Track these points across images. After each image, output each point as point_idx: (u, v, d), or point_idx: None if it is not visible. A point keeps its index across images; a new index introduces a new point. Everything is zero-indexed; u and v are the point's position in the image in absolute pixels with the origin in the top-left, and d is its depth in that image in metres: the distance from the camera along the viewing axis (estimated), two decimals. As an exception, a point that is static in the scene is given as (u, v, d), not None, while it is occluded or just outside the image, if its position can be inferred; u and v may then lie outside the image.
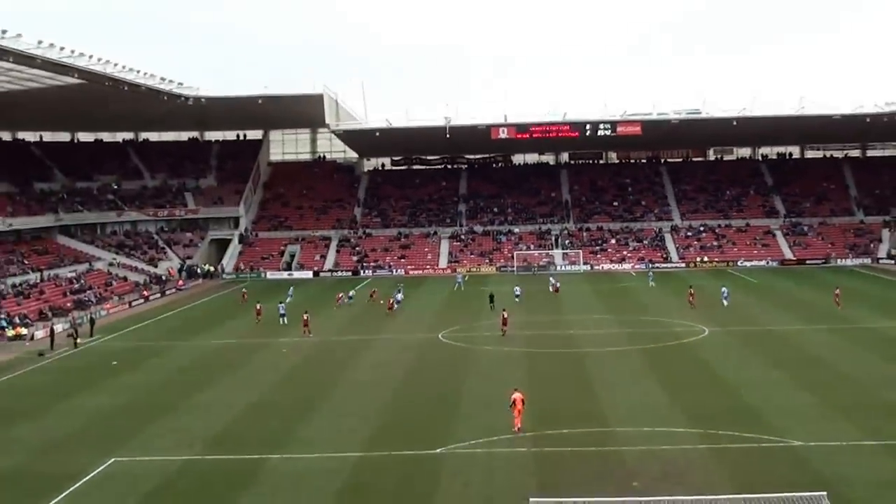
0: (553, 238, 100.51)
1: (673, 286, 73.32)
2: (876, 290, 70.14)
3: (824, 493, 21.77)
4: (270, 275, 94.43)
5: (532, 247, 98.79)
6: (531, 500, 22.35)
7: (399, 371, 42.29)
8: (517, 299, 65.99)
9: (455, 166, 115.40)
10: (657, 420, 31.78)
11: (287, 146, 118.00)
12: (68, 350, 51.82)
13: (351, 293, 70.88)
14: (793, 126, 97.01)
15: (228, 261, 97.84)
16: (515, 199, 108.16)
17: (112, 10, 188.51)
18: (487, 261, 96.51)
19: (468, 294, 73.48)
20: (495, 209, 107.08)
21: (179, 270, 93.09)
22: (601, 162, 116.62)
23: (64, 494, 26.12)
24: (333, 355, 47.35)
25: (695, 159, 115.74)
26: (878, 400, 34.14)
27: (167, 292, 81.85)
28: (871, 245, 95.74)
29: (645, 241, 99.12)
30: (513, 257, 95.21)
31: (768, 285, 75.16)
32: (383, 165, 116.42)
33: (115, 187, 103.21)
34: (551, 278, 77.27)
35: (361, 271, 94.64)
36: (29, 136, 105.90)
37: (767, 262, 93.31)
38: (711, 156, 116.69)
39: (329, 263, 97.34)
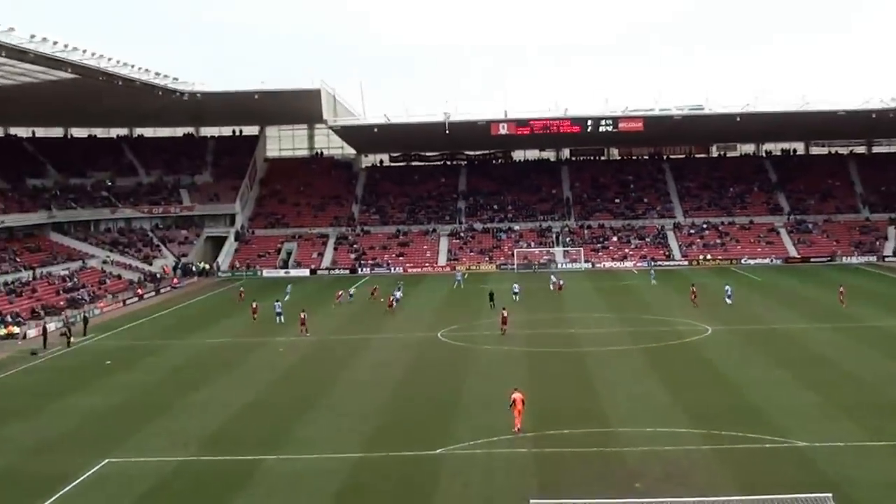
0: (554, 235, 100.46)
1: (675, 284, 73.31)
2: (881, 288, 70.15)
3: (830, 494, 21.74)
4: (267, 273, 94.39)
5: (532, 244, 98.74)
6: (531, 501, 22.33)
7: (398, 371, 42.26)
8: (515, 297, 65.95)
9: (454, 163, 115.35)
10: (659, 420, 31.76)
11: (284, 142, 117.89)
12: (61, 349, 51.77)
13: (352, 291, 70.93)
14: (797, 122, 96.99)
15: (224, 258, 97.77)
16: (516, 196, 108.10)
17: (107, 3, 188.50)
18: (487, 259, 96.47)
19: (468, 292, 73.43)
20: (495, 206, 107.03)
21: (174, 268, 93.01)
22: (603, 158, 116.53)
23: (57, 496, 26.07)
24: (331, 354, 47.32)
25: (698, 156, 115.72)
26: (884, 399, 34.13)
27: (162, 290, 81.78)
28: (877, 243, 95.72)
29: (647, 239, 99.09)
30: (513, 255, 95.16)
31: (772, 283, 75.14)
32: (381, 162, 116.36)
33: (109, 184, 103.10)
34: (552, 276, 77.23)
35: (359, 269, 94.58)
36: (21, 132, 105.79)
37: (771, 260, 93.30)
38: (714, 152, 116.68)
39: (326, 261, 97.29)
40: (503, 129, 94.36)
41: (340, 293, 68.71)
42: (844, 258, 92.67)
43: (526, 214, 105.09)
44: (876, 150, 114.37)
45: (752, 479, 25.56)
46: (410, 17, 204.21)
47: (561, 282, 72.34)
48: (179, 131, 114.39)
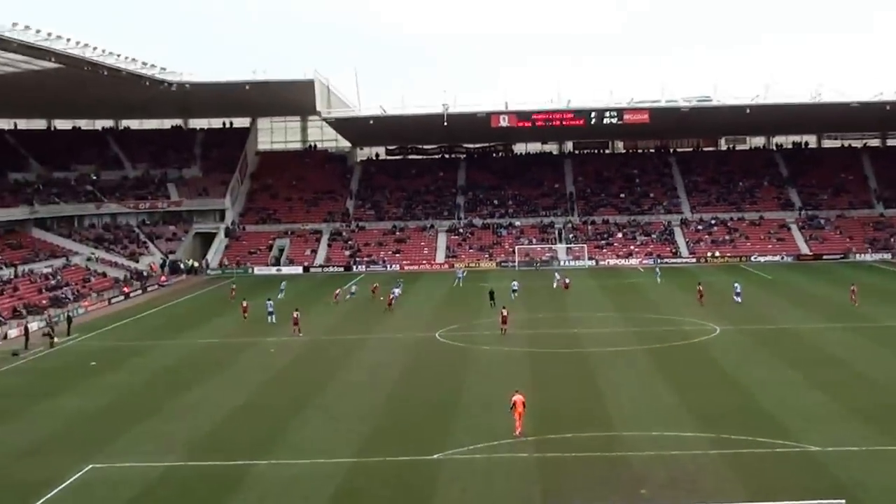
0: (556, 232, 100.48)
1: (682, 282, 73.30)
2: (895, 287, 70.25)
3: (842, 501, 21.76)
4: (258, 270, 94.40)
5: (534, 241, 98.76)
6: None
7: (394, 372, 42.24)
8: (514, 295, 65.99)
9: (453, 156, 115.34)
10: (666, 423, 31.74)
11: (276, 135, 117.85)
12: (44, 350, 51.71)
13: (353, 288, 70.96)
14: (809, 114, 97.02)
15: (214, 255, 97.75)
16: (517, 191, 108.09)
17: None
18: (487, 256, 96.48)
19: (467, 291, 73.42)
20: (495, 201, 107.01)
21: (162, 266, 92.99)
22: (607, 151, 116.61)
23: (38, 503, 26.01)
24: (325, 355, 47.29)
25: (706, 149, 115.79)
26: (899, 402, 34.12)
27: (149, 289, 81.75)
28: (892, 239, 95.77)
29: (653, 235, 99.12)
30: (514, 252, 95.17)
31: (783, 281, 75.17)
32: (377, 155, 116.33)
33: (94, 178, 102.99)
34: (556, 273, 77.26)
35: (354, 267, 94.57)
36: (2, 124, 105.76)
37: (782, 258, 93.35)
38: (723, 145, 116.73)
39: (320, 258, 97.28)
40: (504, 122, 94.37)
41: (338, 292, 68.70)
42: (858, 255, 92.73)
43: (527, 210, 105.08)
44: (890, 142, 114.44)
45: (762, 485, 25.54)
46: (407, 6, 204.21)
47: (567, 280, 72.35)
48: (167, 123, 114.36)
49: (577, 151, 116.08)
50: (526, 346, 47.81)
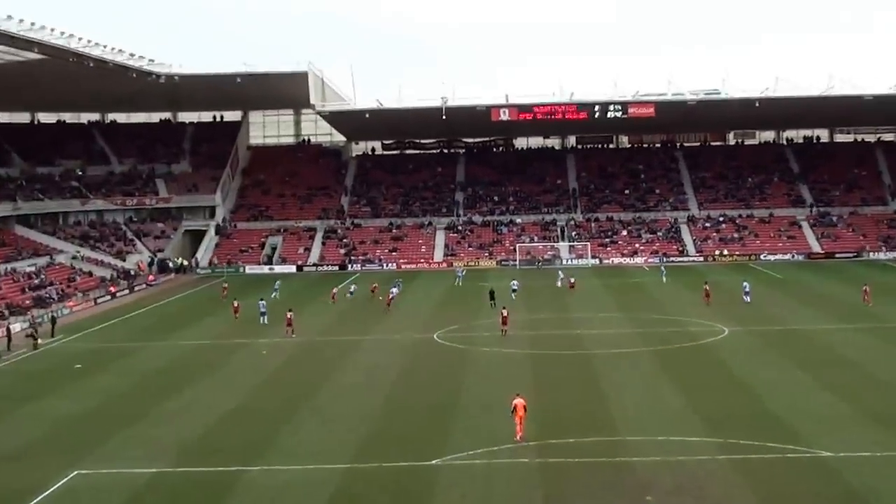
0: (559, 229, 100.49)
1: (689, 282, 73.31)
2: (911, 287, 70.20)
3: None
4: (249, 269, 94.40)
5: (536, 239, 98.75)
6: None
7: (391, 374, 42.23)
8: (514, 294, 66.06)
9: (452, 151, 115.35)
10: (672, 428, 31.73)
11: (268, 129, 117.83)
12: (27, 352, 51.65)
13: (352, 288, 70.99)
14: (821, 107, 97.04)
15: (203, 254, 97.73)
16: (518, 187, 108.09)
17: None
18: (487, 254, 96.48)
19: (466, 291, 73.43)
20: (496, 197, 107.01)
21: (150, 264, 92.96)
22: (611, 146, 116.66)
23: (22, 510, 26.02)
24: (319, 357, 47.27)
25: (713, 144, 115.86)
26: (914, 406, 34.13)
27: (136, 288, 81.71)
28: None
29: (659, 233, 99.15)
30: (515, 250, 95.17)
31: (793, 281, 75.20)
32: (373, 150, 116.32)
33: (79, 173, 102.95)
34: (560, 272, 77.27)
35: (349, 265, 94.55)
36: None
37: (793, 256, 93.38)
38: (732, 140, 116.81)
39: (314, 257, 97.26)
40: (504, 115, 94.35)
41: (335, 291, 68.70)
42: (871, 254, 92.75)
43: (529, 206, 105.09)
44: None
45: (771, 492, 25.53)
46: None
47: (572, 279, 72.33)
48: (155, 117, 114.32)
49: (580, 146, 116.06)
50: (527, 348, 47.79)
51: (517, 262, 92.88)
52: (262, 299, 60.83)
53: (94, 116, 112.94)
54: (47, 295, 71.42)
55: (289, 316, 54.21)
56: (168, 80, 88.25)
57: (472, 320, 57.79)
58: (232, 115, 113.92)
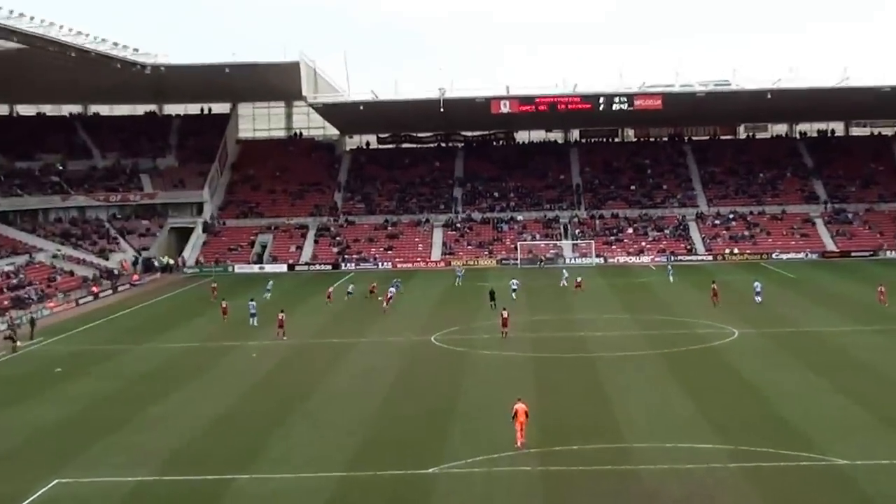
0: (561, 227, 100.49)
1: (698, 282, 73.29)
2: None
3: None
4: (238, 268, 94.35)
5: (538, 237, 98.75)
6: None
7: (386, 379, 42.21)
8: (514, 294, 66.20)
9: (450, 144, 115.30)
10: (680, 434, 31.73)
11: (258, 122, 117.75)
12: (5, 355, 51.59)
13: (350, 287, 71.04)
14: (836, 99, 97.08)
15: (190, 252, 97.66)
16: (519, 182, 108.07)
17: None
18: (487, 253, 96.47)
19: (465, 291, 73.46)
20: (496, 194, 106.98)
21: (134, 263, 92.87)
22: (616, 140, 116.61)
23: (0, 520, 26.00)
24: (311, 361, 47.25)
25: (723, 137, 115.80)
26: (933, 411, 34.13)
27: (120, 289, 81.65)
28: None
29: (666, 231, 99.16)
30: (516, 249, 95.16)
31: (807, 280, 75.24)
32: (368, 144, 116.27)
33: (60, 168, 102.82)
34: (564, 272, 77.29)
35: (343, 264, 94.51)
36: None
37: (806, 255, 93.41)
38: (742, 133, 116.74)
39: (306, 255, 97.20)
40: (505, 108, 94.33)
41: (331, 290, 68.66)
42: (889, 252, 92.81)
43: (530, 203, 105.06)
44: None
45: (784, 501, 25.54)
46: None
47: (579, 279, 72.28)
48: (140, 109, 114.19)
49: (583, 140, 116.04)
50: (528, 351, 47.80)
51: (518, 262, 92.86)
52: (252, 300, 60.79)
53: (76, 108, 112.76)
54: (26, 295, 71.33)
55: (280, 317, 54.19)
56: (153, 71, 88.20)
57: (471, 322, 57.78)
58: (220, 108, 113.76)
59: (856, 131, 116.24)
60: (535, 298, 67.79)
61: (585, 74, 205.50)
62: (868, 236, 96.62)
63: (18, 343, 53.36)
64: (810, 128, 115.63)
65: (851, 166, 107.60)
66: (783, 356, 44.94)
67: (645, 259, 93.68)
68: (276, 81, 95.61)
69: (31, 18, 68.76)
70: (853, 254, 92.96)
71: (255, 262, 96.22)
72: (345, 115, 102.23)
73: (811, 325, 53.64)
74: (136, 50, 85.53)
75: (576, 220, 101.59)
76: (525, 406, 31.14)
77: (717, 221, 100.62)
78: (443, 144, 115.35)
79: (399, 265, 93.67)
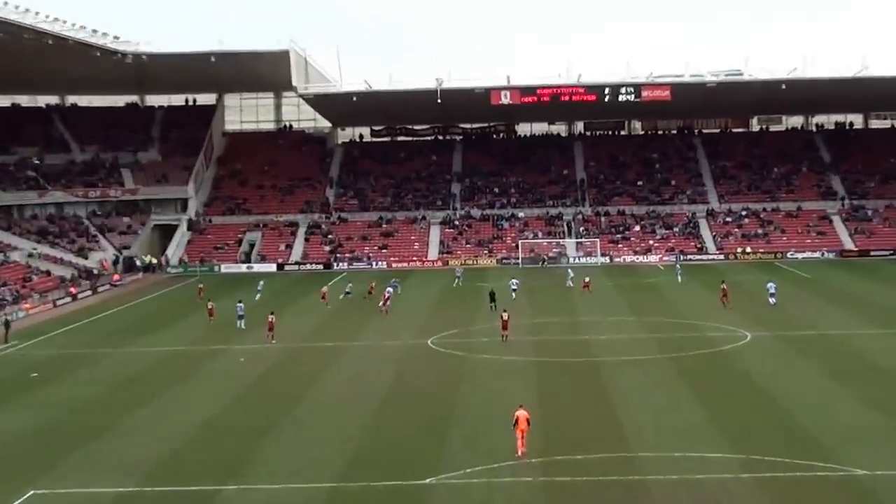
0: (565, 224, 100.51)
1: (708, 282, 73.27)
2: (952, 287, 70.34)
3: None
4: (225, 268, 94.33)
5: (540, 235, 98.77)
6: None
7: (381, 384, 42.20)
8: (514, 295, 66.46)
9: (448, 138, 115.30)
10: (690, 443, 31.73)
11: (246, 113, 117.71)
12: (-20, 359, 51.58)
13: (348, 286, 71.03)
14: (854, 90, 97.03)
15: (174, 251, 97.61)
16: (520, 178, 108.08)
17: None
18: (486, 251, 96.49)
19: (463, 292, 73.54)
20: (496, 189, 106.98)
21: (114, 263, 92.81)
22: (623, 133, 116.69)
23: (-27, 534, 25.95)
24: (302, 365, 47.25)
25: (735, 130, 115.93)
26: (956, 419, 34.15)
27: (100, 289, 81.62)
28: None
29: (675, 229, 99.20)
30: (517, 247, 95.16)
31: (824, 281, 75.31)
32: (361, 137, 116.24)
33: (37, 162, 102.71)
34: (570, 271, 77.30)
35: (335, 264, 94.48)
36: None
37: (823, 254, 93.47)
38: (755, 126, 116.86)
39: (296, 255, 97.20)
40: (505, 98, 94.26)
41: (325, 290, 68.65)
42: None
43: (532, 199, 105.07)
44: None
45: (800, 514, 25.52)
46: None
47: (587, 279, 72.30)
48: (121, 100, 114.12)
49: (588, 133, 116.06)
50: (530, 355, 47.80)
51: (519, 261, 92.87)
52: (240, 301, 60.73)
53: (53, 99, 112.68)
54: (0, 297, 71.26)
55: (270, 319, 54.15)
56: (135, 60, 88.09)
57: (470, 324, 57.78)
58: (206, 99, 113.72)
59: (875, 123, 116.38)
60: (537, 300, 67.80)
61: (590, 64, 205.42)
62: (888, 234, 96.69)
63: (-8, 347, 53.28)
64: (827, 120, 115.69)
65: (870, 160, 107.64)
66: (798, 361, 44.95)
67: (653, 258, 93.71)
68: (265, 71, 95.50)
69: (6, 3, 68.72)
70: (872, 253, 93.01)
71: (243, 262, 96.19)
72: (337, 106, 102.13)
73: (828, 327, 53.64)
74: (116, 37, 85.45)
75: (580, 217, 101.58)
76: (526, 413, 31.12)
77: (728, 219, 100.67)
78: (440, 137, 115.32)
79: (394, 265, 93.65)
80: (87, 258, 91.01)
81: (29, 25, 72.18)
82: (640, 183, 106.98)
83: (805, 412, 35.31)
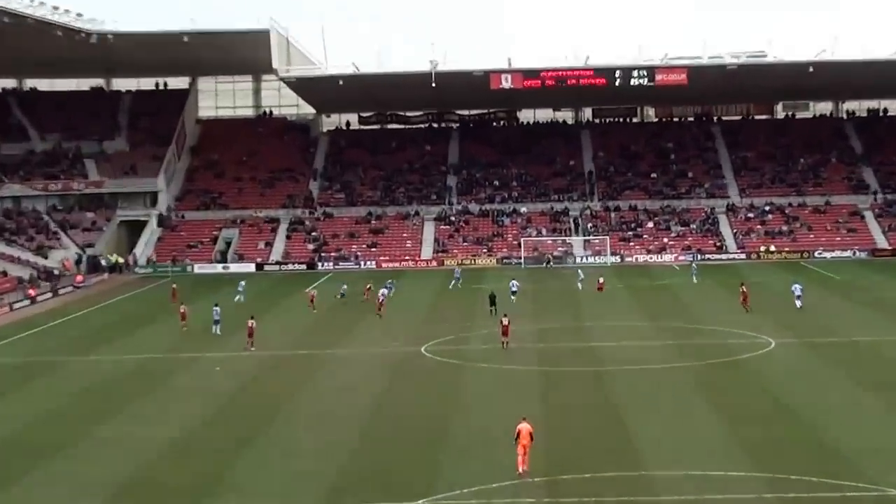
0: (571, 220, 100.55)
1: (728, 284, 73.37)
2: None
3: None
4: (199, 268, 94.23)
5: (544, 232, 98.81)
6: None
7: (369, 397, 42.15)
8: (513, 297, 66.63)
9: (443, 125, 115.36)
10: (709, 460, 31.69)
11: (222, 99, 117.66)
12: (-71, 368, 51.45)
13: (343, 287, 71.02)
14: (888, 73, 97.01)
15: (143, 249, 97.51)
16: (522, 169, 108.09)
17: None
18: (485, 250, 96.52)
19: (460, 294, 73.63)
20: (496, 182, 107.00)
21: (77, 262, 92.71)
22: (635, 120, 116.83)
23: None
24: (284, 375, 47.20)
25: (758, 117, 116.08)
26: None
27: (61, 291, 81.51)
28: None
29: (692, 225, 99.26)
30: (519, 246, 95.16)
31: (855, 282, 75.46)
32: (348, 124, 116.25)
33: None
34: (580, 271, 77.25)
35: (319, 264, 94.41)
36: None
37: (854, 253, 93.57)
38: (780, 113, 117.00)
39: (277, 253, 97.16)
40: (506, 82, 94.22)
41: (313, 292, 68.55)
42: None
43: (535, 193, 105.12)
44: None
45: (830, 539, 25.48)
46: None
47: (600, 279, 72.27)
48: (85, 84, 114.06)
49: (597, 120, 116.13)
50: (533, 364, 47.80)
51: (522, 261, 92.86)
52: (216, 305, 60.54)
53: (10, 83, 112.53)
54: (-47, 299, 71.21)
55: (250, 325, 53.99)
56: (100, 40, 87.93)
57: (467, 330, 57.79)
58: (178, 83, 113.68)
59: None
60: (541, 303, 67.83)
61: (599, 45, 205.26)
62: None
63: (-57, 355, 53.16)
64: (859, 106, 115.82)
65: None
66: (827, 370, 44.97)
67: (667, 258, 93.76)
68: (243, 52, 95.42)
69: (-42, -22, 68.64)
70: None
71: (219, 261, 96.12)
72: (322, 90, 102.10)
73: (860, 333, 53.65)
74: (79, 15, 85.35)
75: (588, 212, 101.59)
76: (529, 426, 31.02)
77: (750, 214, 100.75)
78: (435, 125, 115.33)
79: (384, 265, 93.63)
80: (46, 257, 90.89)
81: (-17, 2, 72.15)
82: (653, 175, 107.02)
83: (835, 426, 35.28)
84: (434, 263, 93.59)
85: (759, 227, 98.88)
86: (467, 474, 30.85)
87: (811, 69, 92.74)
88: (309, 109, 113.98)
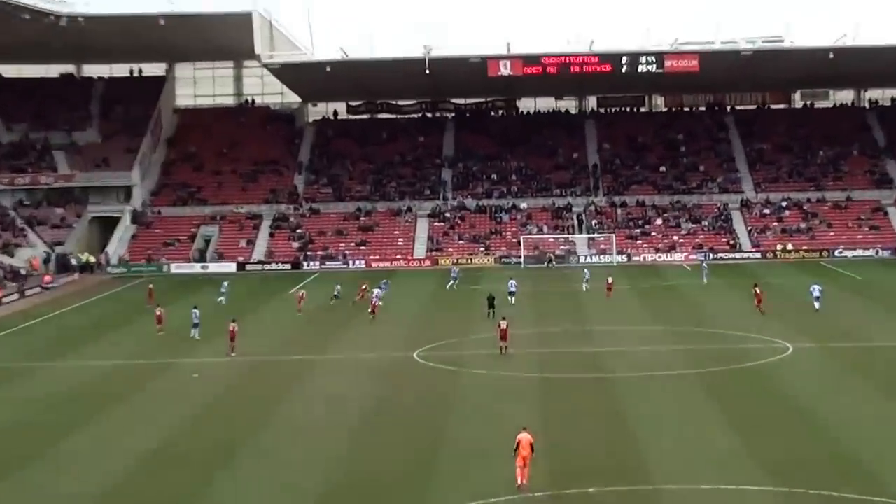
0: (574, 217, 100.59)
1: (741, 285, 73.40)
2: None
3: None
4: (176, 268, 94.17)
5: (545, 229, 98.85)
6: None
7: (358, 406, 42.14)
8: (511, 298, 66.74)
9: (437, 115, 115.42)
10: (722, 474, 31.72)
11: (201, 86, 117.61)
12: None
13: (337, 289, 71.09)
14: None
15: (116, 248, 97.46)
16: (522, 162, 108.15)
17: None
18: (482, 249, 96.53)
19: (456, 296, 73.67)
20: (494, 176, 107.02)
21: (45, 262, 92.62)
22: (643, 110, 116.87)
23: None
24: (268, 383, 47.19)
25: (774, 107, 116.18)
26: None
27: (28, 292, 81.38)
28: None
29: (704, 222, 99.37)
30: (518, 244, 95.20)
31: (878, 283, 75.56)
32: (336, 114, 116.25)
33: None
34: (586, 272, 77.20)
35: (305, 263, 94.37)
36: None
37: (877, 252, 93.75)
38: (798, 102, 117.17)
39: (259, 252, 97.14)
40: (505, 69, 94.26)
41: (302, 293, 68.54)
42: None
43: (536, 187, 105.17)
44: None
45: (851, 557, 25.53)
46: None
47: (610, 279, 72.37)
48: (54, 70, 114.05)
49: (602, 110, 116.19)
50: (534, 371, 47.82)
51: (521, 260, 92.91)
52: (195, 308, 60.50)
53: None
54: (-87, 301, 71.13)
55: (232, 328, 53.95)
56: (71, 23, 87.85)
57: (462, 335, 57.79)
58: (154, 69, 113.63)
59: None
60: (543, 305, 67.88)
61: (604, 30, 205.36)
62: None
63: None
64: (882, 95, 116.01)
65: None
66: (848, 377, 45.03)
67: (678, 257, 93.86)
68: (224, 36, 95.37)
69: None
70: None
71: (197, 261, 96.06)
72: (308, 77, 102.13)
73: (883, 338, 53.74)
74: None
75: (592, 208, 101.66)
76: (530, 437, 31.01)
77: (766, 211, 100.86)
78: (429, 115, 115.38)
79: (374, 264, 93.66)
80: (12, 256, 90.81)
81: (-56, -18, 72.04)
82: (662, 169, 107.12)
83: (857, 438, 35.32)
84: (428, 263, 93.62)
85: (775, 224, 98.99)
86: (462, 488, 30.87)
87: (831, 55, 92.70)
88: (294, 98, 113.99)
